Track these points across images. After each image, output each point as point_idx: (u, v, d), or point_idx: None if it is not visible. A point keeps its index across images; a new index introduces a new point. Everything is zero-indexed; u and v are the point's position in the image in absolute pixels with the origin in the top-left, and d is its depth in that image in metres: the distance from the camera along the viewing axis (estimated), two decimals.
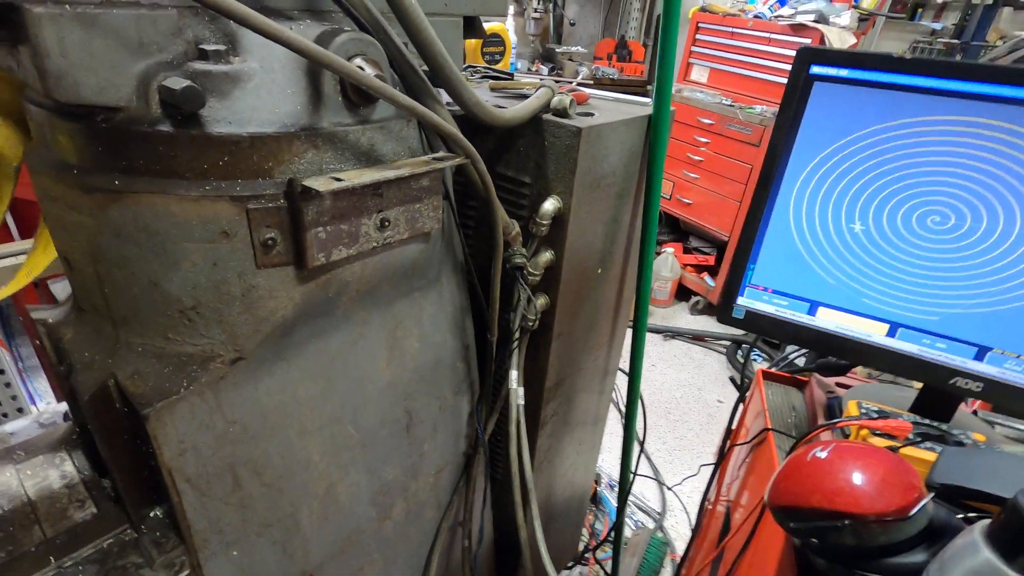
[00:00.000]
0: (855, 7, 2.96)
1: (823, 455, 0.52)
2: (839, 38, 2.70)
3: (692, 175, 3.40)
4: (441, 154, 0.64)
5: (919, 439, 0.62)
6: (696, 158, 3.34)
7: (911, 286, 0.67)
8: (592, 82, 3.88)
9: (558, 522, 1.56)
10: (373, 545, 0.95)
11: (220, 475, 0.66)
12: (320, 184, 0.51)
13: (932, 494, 0.47)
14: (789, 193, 0.71)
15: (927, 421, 0.67)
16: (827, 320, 0.74)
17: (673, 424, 2.64)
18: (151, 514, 0.70)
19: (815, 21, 2.78)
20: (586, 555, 1.77)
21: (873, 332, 0.72)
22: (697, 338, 3.31)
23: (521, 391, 0.99)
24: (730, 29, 3.17)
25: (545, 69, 4.02)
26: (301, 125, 0.54)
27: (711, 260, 3.54)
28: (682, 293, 3.66)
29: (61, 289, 0.75)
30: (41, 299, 1.50)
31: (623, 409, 1.28)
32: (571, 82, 1.01)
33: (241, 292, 0.58)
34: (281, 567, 0.79)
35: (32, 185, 0.62)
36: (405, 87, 0.62)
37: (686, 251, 3.68)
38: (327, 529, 0.84)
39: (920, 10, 7.38)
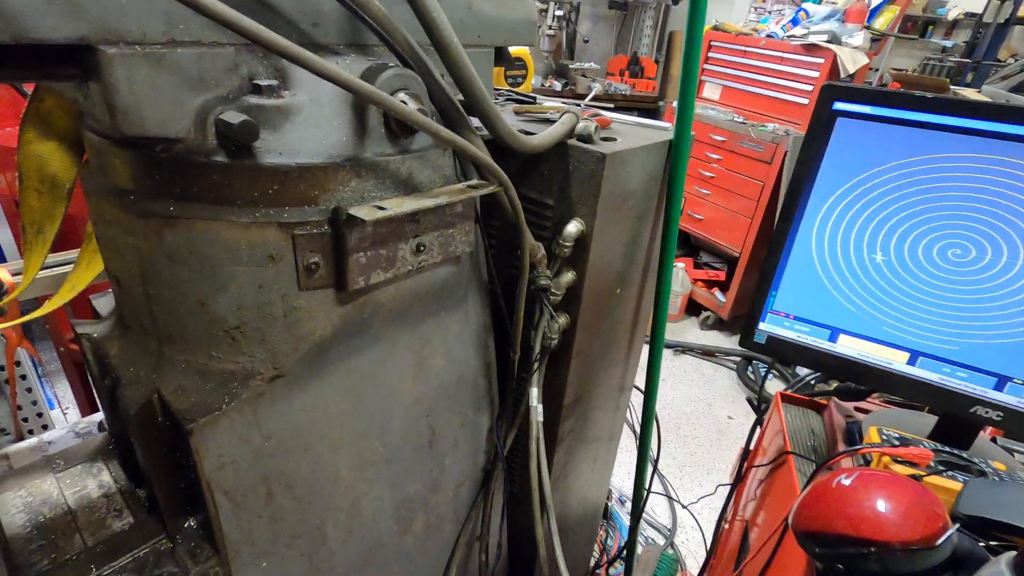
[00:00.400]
0: (867, 28, 2.99)
1: (848, 482, 0.53)
2: (852, 59, 2.73)
3: (704, 191, 3.42)
4: (476, 182, 0.66)
5: (941, 467, 0.63)
6: (708, 174, 3.37)
7: (932, 316, 0.69)
8: (606, 98, 3.92)
9: (570, 537, 1.57)
10: (393, 559, 0.96)
11: (255, 488, 0.69)
12: (365, 213, 0.53)
13: (958, 525, 0.49)
14: (812, 223, 0.73)
15: (947, 449, 0.68)
16: (848, 347, 0.76)
17: (683, 439, 2.64)
18: (186, 525, 0.72)
19: (827, 41, 2.81)
20: (597, 571, 1.77)
21: (894, 360, 0.73)
22: (707, 353, 3.31)
23: (540, 408, 1.00)
24: (743, 48, 3.20)
25: (558, 84, 4.07)
26: (346, 156, 0.57)
27: (722, 275, 3.55)
28: (692, 308, 3.67)
29: (105, 304, 0.78)
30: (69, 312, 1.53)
31: (636, 427, 1.29)
32: (593, 105, 1.03)
33: (283, 313, 0.60)
34: None
35: (87, 207, 0.65)
36: (443, 118, 0.64)
37: (697, 266, 3.69)
38: (351, 543, 0.86)
39: (931, 28, 7.39)
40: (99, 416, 0.90)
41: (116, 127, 0.48)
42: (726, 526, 1.13)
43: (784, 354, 0.81)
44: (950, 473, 0.62)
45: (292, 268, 0.58)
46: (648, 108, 4.46)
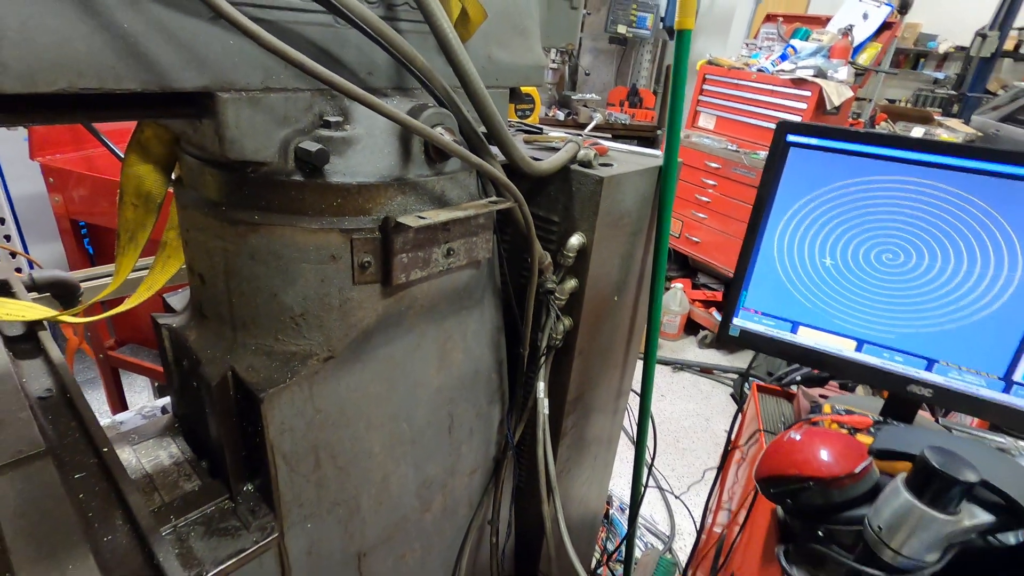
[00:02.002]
0: (851, 63, 3.18)
1: (796, 436, 0.65)
2: (836, 92, 2.91)
3: (700, 215, 3.57)
4: (495, 199, 0.80)
5: (875, 431, 0.75)
6: (704, 199, 3.53)
7: (872, 309, 0.82)
8: (606, 127, 4.10)
9: (571, 537, 1.66)
10: (415, 534, 1.08)
11: (306, 455, 0.81)
12: (410, 221, 0.67)
13: (871, 458, 0.61)
14: (773, 234, 0.87)
15: (886, 420, 0.80)
16: (806, 337, 0.89)
17: (682, 452, 2.74)
18: (245, 488, 0.84)
19: (814, 76, 3.00)
20: (598, 571, 1.86)
21: (844, 347, 0.86)
22: (705, 371, 3.42)
23: (546, 401, 1.13)
24: (735, 81, 3.40)
25: (561, 114, 4.27)
26: (394, 176, 0.71)
27: (719, 296, 3.68)
28: (691, 327, 3.79)
29: (178, 301, 0.91)
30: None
31: (633, 435, 1.41)
32: (592, 135, 1.18)
33: (339, 303, 0.74)
34: (342, 543, 0.93)
35: (178, 217, 0.79)
36: (469, 146, 0.79)
37: (695, 287, 3.82)
38: (380, 514, 0.98)
39: (923, 60, 7.61)
40: (161, 402, 1.02)
41: (223, 153, 0.63)
42: (713, 506, 1.24)
43: (755, 345, 0.93)
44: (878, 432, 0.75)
45: (348, 266, 0.72)
46: (646, 136, 4.66)
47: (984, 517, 0.52)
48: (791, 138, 0.83)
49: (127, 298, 0.94)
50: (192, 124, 0.66)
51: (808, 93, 3.00)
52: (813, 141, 0.81)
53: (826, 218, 0.82)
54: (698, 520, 2.13)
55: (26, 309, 0.83)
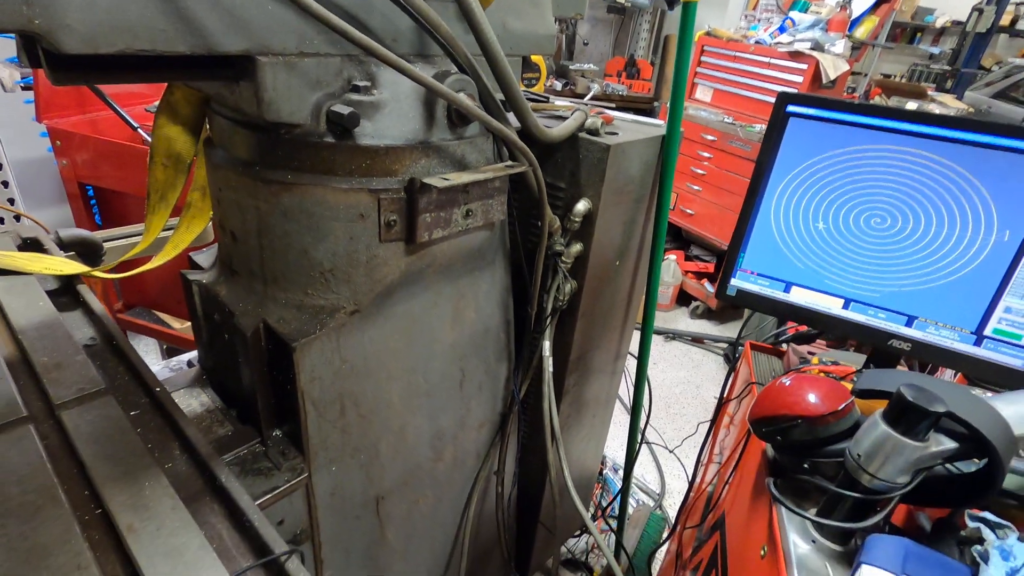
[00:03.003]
0: (848, 36, 3.19)
1: (787, 382, 0.72)
2: (833, 65, 2.93)
3: (695, 187, 3.62)
4: (511, 163, 0.85)
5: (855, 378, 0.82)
6: (699, 171, 3.57)
7: (859, 269, 0.88)
8: (603, 98, 4.10)
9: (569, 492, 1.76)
10: (427, 482, 1.15)
11: (332, 403, 0.87)
12: (436, 182, 0.72)
13: (853, 396, 0.68)
14: (771, 199, 0.93)
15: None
16: (798, 296, 0.96)
17: (673, 417, 2.84)
18: (274, 433, 0.90)
19: (811, 48, 3.01)
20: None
21: (832, 306, 0.93)
22: (696, 340, 3.51)
23: (551, 360, 1.19)
24: (733, 53, 3.40)
25: (559, 84, 4.25)
26: (419, 139, 0.76)
27: (711, 268, 3.76)
28: (683, 298, 3.87)
29: (205, 258, 0.96)
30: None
31: (628, 401, 1.48)
32: (597, 104, 1.22)
33: (366, 259, 0.79)
34: (362, 486, 1.00)
35: (208, 177, 0.83)
36: (487, 112, 0.83)
37: (687, 259, 3.89)
38: (397, 461, 1.04)
39: (919, 35, 7.57)
40: (186, 356, 1.08)
41: (261, 115, 0.67)
42: (704, 460, 1.32)
43: (750, 303, 1.00)
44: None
45: (375, 224, 0.76)
46: (643, 108, 4.67)
47: (949, 444, 0.59)
48: (791, 108, 0.88)
49: (151, 258, 0.98)
50: (230, 87, 0.70)
51: (805, 66, 3.02)
52: (811, 112, 0.86)
53: (820, 184, 0.88)
54: (690, 472, 2.24)
55: (63, 264, 0.87)
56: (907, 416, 0.58)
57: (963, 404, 0.57)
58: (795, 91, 3.19)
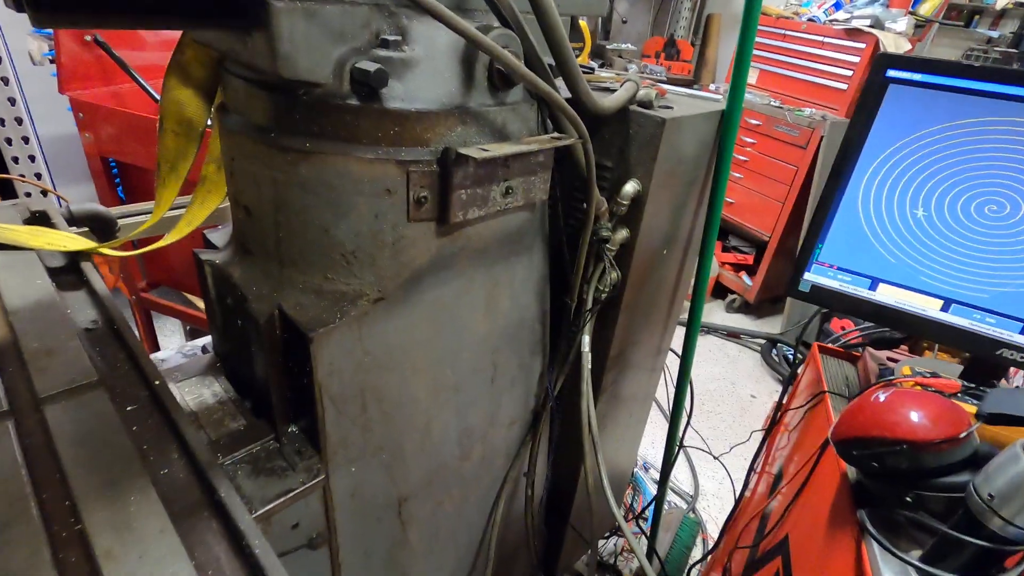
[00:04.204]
0: (911, 13, 2.97)
1: (883, 397, 0.61)
2: (894, 44, 2.72)
3: (736, 175, 3.44)
4: (559, 135, 0.74)
5: (968, 397, 0.70)
6: (741, 158, 3.39)
7: (965, 266, 0.75)
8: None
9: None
10: (453, 481, 1.07)
11: (353, 398, 0.79)
12: (474, 152, 0.62)
13: (979, 422, 0.57)
14: (860, 181, 0.80)
15: (974, 385, 0.75)
16: (887, 295, 0.83)
17: (707, 415, 2.72)
18: (290, 430, 0.82)
19: (870, 26, 2.80)
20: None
21: (928, 307, 0.80)
22: (732, 335, 3.37)
23: (590, 355, 1.09)
24: (782, 31, 3.20)
25: (595, 65, 4.09)
26: (455, 104, 0.66)
27: (750, 259, 3.59)
28: (719, 290, 3.72)
29: (219, 237, 0.88)
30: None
31: (668, 398, 1.37)
32: (645, 76, 1.10)
33: (392, 240, 0.70)
34: (384, 488, 0.92)
35: (221, 145, 0.75)
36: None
37: (725, 249, 3.73)
38: (421, 460, 0.97)
39: (977, 17, 7.14)
40: (200, 341, 1.01)
41: (276, 70, 0.58)
42: (757, 469, 1.22)
43: (825, 301, 0.88)
44: (976, 401, 0.70)
45: (404, 201, 0.67)
46: None
47: None
48: (892, 73, 0.75)
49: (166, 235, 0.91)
50: (242, 40, 0.61)
51: (863, 45, 2.81)
52: (917, 77, 0.73)
53: (923, 164, 0.75)
54: (733, 479, 2.12)
55: (67, 239, 0.81)
56: None
57: None
58: (847, 73, 2.99)
